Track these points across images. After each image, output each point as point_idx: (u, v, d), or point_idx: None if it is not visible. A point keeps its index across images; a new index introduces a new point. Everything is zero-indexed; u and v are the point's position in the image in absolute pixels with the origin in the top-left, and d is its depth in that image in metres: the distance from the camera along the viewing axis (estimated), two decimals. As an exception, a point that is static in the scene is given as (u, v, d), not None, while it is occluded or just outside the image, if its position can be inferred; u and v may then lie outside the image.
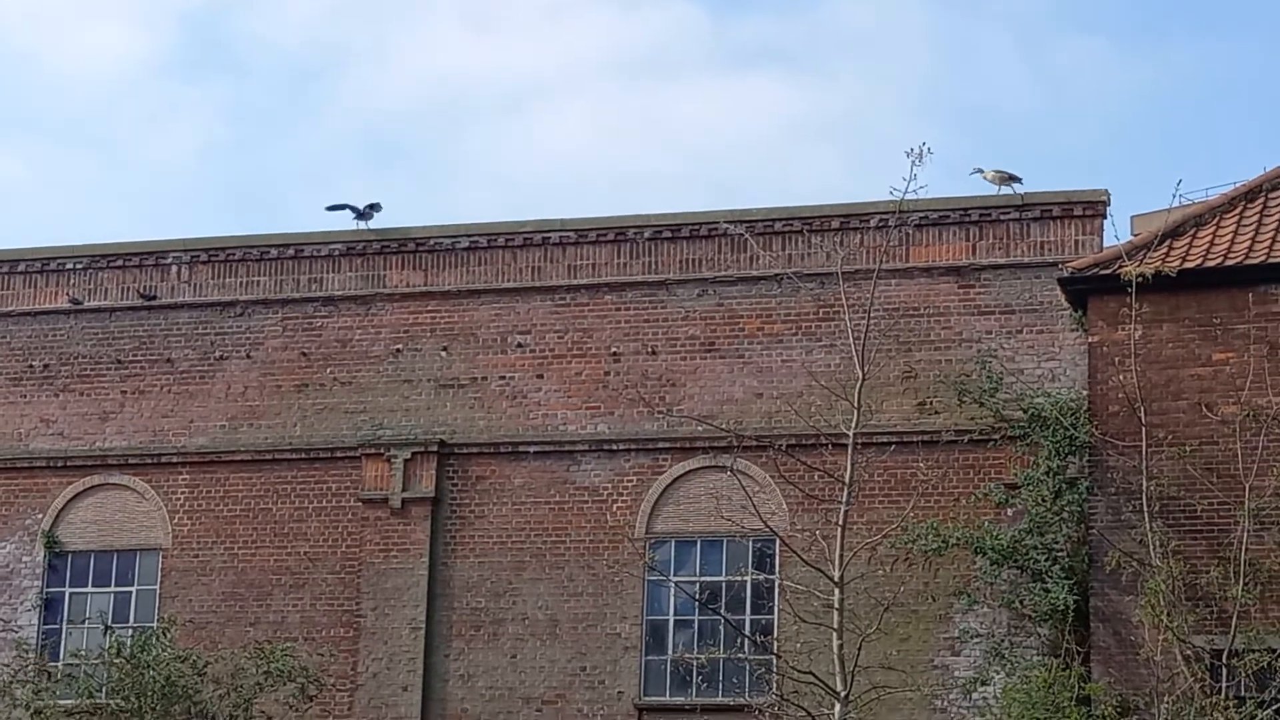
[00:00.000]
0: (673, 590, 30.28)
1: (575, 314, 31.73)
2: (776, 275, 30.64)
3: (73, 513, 33.23)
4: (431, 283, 32.44)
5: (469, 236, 32.43)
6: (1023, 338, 29.88)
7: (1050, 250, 30.02)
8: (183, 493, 32.76)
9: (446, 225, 32.74)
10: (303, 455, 32.32)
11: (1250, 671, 24.63)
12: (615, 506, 30.97)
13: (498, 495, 31.42)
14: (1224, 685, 24.86)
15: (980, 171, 30.36)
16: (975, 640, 28.80)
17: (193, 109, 74.51)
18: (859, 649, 24.36)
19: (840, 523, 24.83)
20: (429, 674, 31.12)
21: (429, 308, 32.36)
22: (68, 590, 33.07)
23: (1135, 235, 28.85)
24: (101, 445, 33.26)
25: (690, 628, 30.55)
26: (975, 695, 28.49)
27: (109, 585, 32.88)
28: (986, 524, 28.24)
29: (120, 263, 33.87)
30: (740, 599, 30.18)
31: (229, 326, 33.16)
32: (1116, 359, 26.60)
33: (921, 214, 30.19)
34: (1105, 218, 30.02)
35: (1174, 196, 27.37)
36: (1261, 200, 28.00)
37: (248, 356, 32.97)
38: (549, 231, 32.10)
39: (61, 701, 30.22)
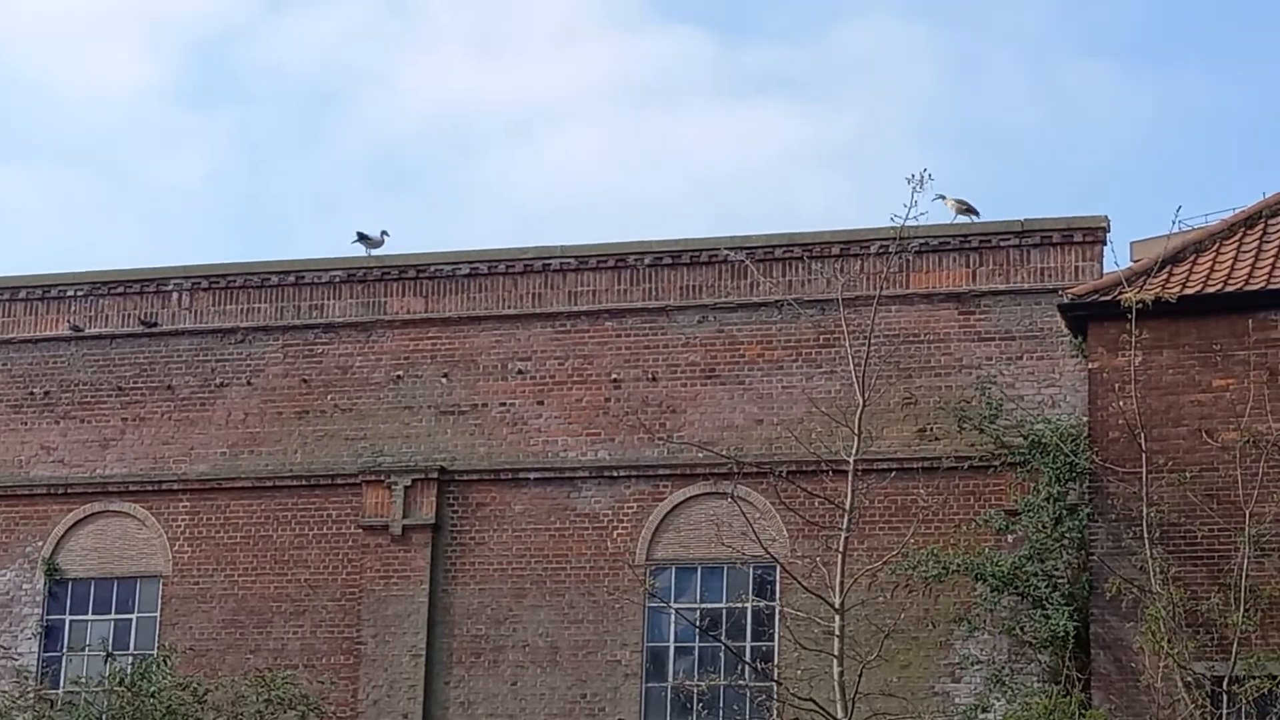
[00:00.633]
0: (673, 617, 30.25)
1: (576, 340, 31.74)
2: (777, 301, 30.64)
3: (73, 540, 33.22)
4: (432, 309, 32.46)
5: (469, 263, 32.45)
6: (1023, 364, 29.88)
7: (1050, 276, 30.03)
8: (183, 520, 32.75)
9: (447, 252, 32.76)
10: (303, 482, 32.31)
11: (1251, 698, 24.61)
12: (616, 533, 30.96)
13: (498, 522, 31.40)
14: (1225, 712, 24.85)
15: (942, 198, 30.18)
16: (976, 667, 28.75)
17: (201, 136, 74.72)
18: (860, 676, 24.37)
19: (841, 549, 24.87)
20: (429, 701, 31.08)
21: (430, 334, 32.38)
22: (68, 618, 33.04)
23: (1135, 261, 28.89)
24: (102, 472, 33.26)
25: (691, 655, 30.52)
26: (976, 722, 28.42)
27: (109, 613, 32.85)
28: (987, 550, 28.21)
29: (121, 290, 33.89)
30: (741, 626, 30.15)
31: (230, 353, 33.17)
32: (1117, 385, 26.61)
33: (922, 240, 30.18)
34: (1105, 244, 30.06)
35: (1174, 223, 27.47)
36: (1261, 226, 28.03)
37: (248, 383, 32.97)
38: (549, 258, 32.11)
39: (62, 729, 30.23)
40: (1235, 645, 24.95)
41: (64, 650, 32.79)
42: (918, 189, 25.55)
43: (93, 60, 75.35)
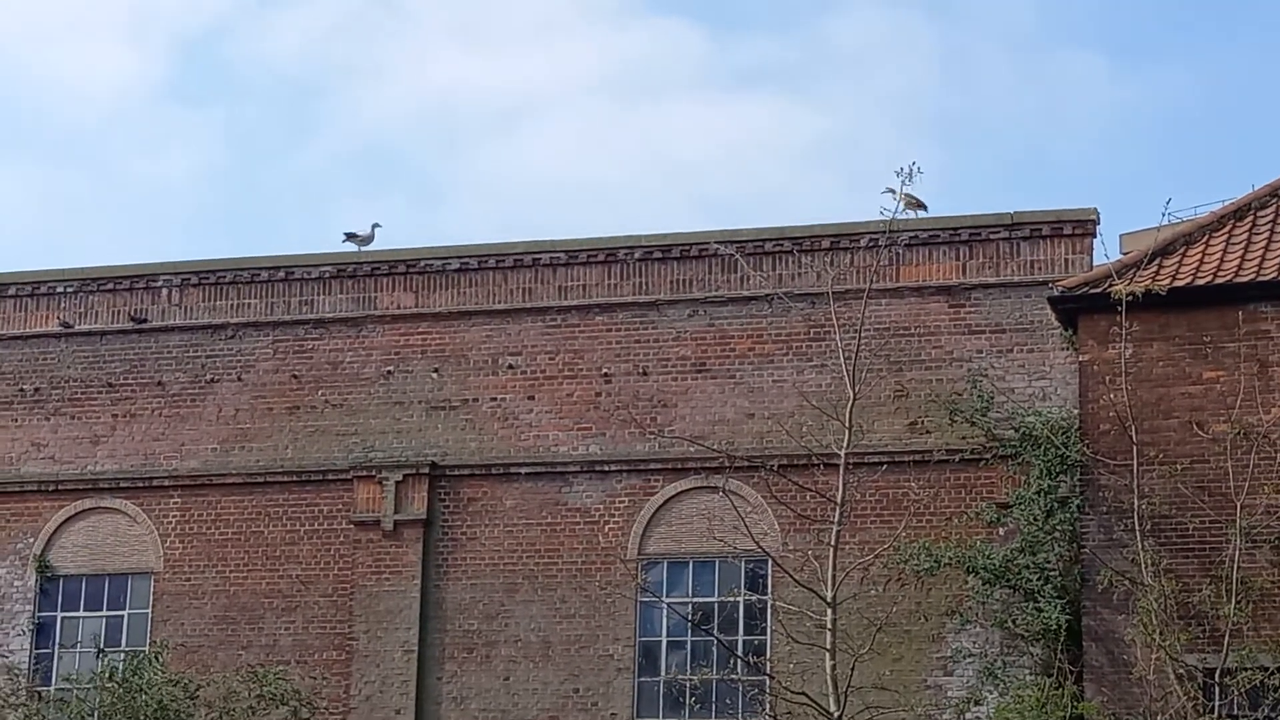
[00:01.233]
0: (665, 611, 30.24)
1: (566, 335, 31.72)
2: (767, 295, 30.62)
3: (64, 537, 33.19)
4: (422, 304, 32.44)
5: (459, 258, 32.42)
6: (1013, 357, 29.88)
7: (1040, 269, 30.04)
8: (174, 516, 32.73)
9: (437, 247, 32.74)
10: (294, 478, 32.29)
11: (1243, 690, 24.66)
12: (607, 528, 30.95)
13: (489, 517, 31.40)
14: (1217, 704, 24.86)
15: (891, 191, 29.54)
16: (968, 660, 28.78)
17: (189, 131, 74.60)
18: (852, 669, 24.38)
19: (832, 543, 24.88)
20: (422, 696, 31.07)
21: (420, 329, 32.36)
22: (59, 614, 33.02)
23: (1125, 254, 28.87)
24: (93, 469, 33.22)
25: (683, 649, 30.52)
26: (968, 715, 28.44)
27: (101, 609, 32.83)
28: (978, 543, 28.23)
29: (111, 286, 33.86)
30: (733, 620, 30.14)
31: (220, 349, 33.14)
32: (1107, 378, 26.62)
33: (911, 234, 30.22)
34: (1095, 236, 30.04)
35: (1163, 215, 27.51)
36: (1250, 218, 28.04)
37: (239, 379, 32.95)
38: (539, 253, 32.09)
39: (53, 726, 30.21)
40: (1227, 637, 24.99)
41: (55, 647, 32.76)
42: (907, 182, 25.66)
43: (80, 56, 75.33)
